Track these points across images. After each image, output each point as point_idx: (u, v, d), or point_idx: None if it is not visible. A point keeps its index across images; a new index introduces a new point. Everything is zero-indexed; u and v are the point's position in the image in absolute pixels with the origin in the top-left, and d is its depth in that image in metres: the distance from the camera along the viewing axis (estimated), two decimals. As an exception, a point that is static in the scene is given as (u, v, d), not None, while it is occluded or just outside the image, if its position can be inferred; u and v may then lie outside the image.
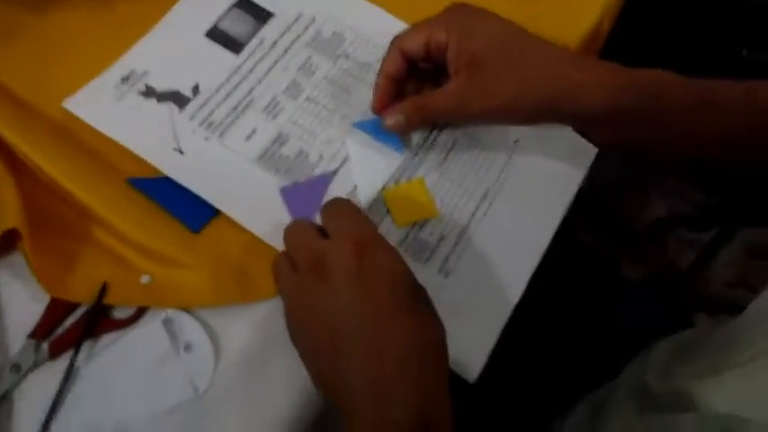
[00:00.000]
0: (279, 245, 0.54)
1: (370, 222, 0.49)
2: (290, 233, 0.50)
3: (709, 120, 0.55)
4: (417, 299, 0.46)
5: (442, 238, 0.59)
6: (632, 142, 0.58)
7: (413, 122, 0.58)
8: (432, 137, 0.62)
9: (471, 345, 0.55)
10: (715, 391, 0.53)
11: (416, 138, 0.62)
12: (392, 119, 0.58)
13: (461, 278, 0.58)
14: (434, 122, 0.61)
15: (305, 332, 0.46)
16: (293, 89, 0.63)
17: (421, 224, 0.59)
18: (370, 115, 0.62)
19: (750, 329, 0.52)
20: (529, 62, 0.54)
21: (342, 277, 0.45)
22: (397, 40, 0.57)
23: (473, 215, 0.61)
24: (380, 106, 0.59)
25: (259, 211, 0.57)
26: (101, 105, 0.59)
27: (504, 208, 0.61)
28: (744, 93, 0.55)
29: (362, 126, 0.61)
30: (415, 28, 0.56)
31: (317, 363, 0.46)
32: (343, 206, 0.50)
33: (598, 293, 0.87)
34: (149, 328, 0.53)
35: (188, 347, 0.53)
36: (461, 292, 0.57)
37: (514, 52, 0.54)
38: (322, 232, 0.49)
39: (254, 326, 0.54)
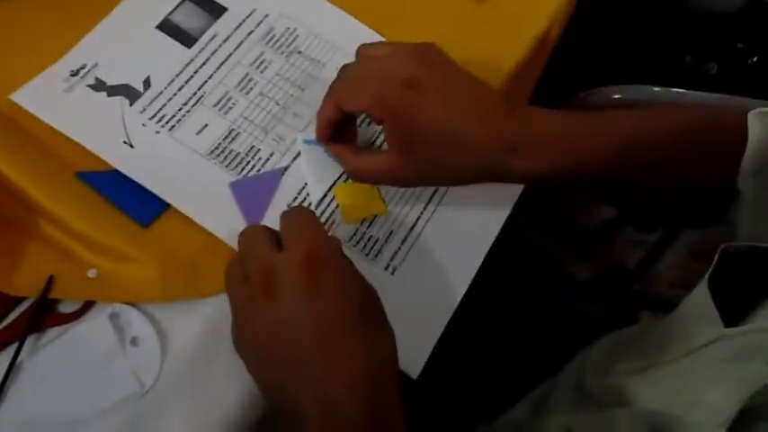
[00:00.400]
0: (228, 239, 0.55)
1: (328, 237, 0.47)
2: (242, 240, 0.49)
3: (639, 175, 0.55)
4: (366, 319, 0.45)
5: (390, 234, 0.60)
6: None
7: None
8: (382, 138, 0.63)
9: (414, 342, 0.56)
10: (647, 387, 0.54)
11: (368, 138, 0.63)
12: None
13: (407, 275, 0.59)
14: None
15: (252, 340, 0.46)
16: (246, 84, 0.63)
17: (370, 220, 0.60)
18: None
19: (681, 327, 0.54)
20: (465, 152, 0.52)
21: (289, 294, 0.44)
22: (334, 92, 0.56)
23: (421, 213, 0.61)
24: (324, 139, 0.58)
25: (209, 205, 0.56)
26: (50, 98, 0.58)
27: (452, 207, 0.62)
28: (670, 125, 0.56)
29: (310, 143, 0.61)
30: (354, 91, 0.54)
31: (263, 368, 0.46)
32: (301, 216, 0.49)
33: (544, 292, 0.89)
34: (96, 322, 0.52)
35: (134, 342, 0.52)
36: (407, 289, 0.58)
37: (450, 143, 0.52)
38: (278, 241, 0.47)
39: (202, 321, 0.54)
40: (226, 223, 0.55)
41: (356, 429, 0.42)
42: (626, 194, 0.63)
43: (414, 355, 0.56)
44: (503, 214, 0.64)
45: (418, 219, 0.61)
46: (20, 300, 0.52)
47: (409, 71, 0.52)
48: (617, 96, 0.84)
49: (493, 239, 0.63)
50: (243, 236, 0.49)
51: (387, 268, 0.58)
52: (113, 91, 0.60)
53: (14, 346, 0.50)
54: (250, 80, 0.63)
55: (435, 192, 0.62)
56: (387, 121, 0.52)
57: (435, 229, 0.61)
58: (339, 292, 0.44)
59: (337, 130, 0.57)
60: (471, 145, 0.52)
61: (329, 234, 0.49)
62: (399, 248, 0.60)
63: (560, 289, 0.92)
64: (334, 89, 0.56)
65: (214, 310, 0.54)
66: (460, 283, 0.60)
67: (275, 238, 0.47)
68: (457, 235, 0.61)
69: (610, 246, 1.22)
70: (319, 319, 0.43)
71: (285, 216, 0.49)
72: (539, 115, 0.54)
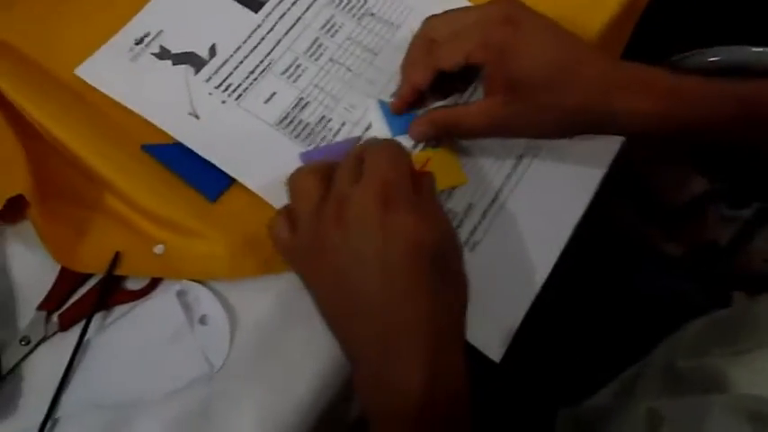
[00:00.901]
0: None
1: (411, 172, 0.45)
2: (341, 165, 0.46)
3: (753, 131, 0.51)
4: (438, 271, 0.42)
5: (469, 207, 0.56)
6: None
7: (439, 135, 0.55)
8: (463, 100, 0.59)
9: (496, 323, 0.52)
10: (746, 372, 0.50)
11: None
12: (417, 130, 0.55)
13: (488, 252, 0.55)
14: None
15: (320, 269, 0.44)
16: (315, 50, 0.60)
17: (449, 192, 0.56)
18: (394, 85, 0.59)
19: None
20: (571, 91, 0.49)
21: (357, 225, 0.42)
22: (432, 58, 0.52)
23: (503, 184, 0.57)
24: (399, 111, 0.56)
25: (277, 179, 0.53)
26: (114, 69, 0.57)
27: (537, 178, 0.58)
28: None
29: (384, 108, 0.58)
30: (452, 42, 0.51)
31: (331, 300, 0.45)
32: (387, 146, 0.46)
33: (633, 272, 0.84)
34: (163, 299, 0.50)
35: (203, 320, 0.50)
36: (488, 266, 0.54)
37: (557, 80, 0.49)
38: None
39: (273, 300, 0.51)
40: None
41: (410, 382, 0.40)
42: (737, 157, 0.57)
43: (495, 337, 0.52)
44: (591, 187, 0.59)
45: (500, 190, 0.57)
46: (86, 276, 0.51)
47: (508, 12, 0.50)
48: (713, 59, 0.78)
49: (581, 214, 0.58)
50: (298, 173, 0.47)
51: (466, 244, 0.54)
52: (178, 59, 0.58)
53: (82, 324, 0.49)
54: (320, 45, 0.60)
55: (519, 160, 0.58)
56: (490, 62, 0.50)
57: (518, 202, 0.57)
58: (409, 234, 0.42)
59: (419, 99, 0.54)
60: (578, 83, 0.49)
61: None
62: (480, 222, 0.55)
63: (648, 268, 0.87)
64: (427, 49, 0.53)
65: (285, 288, 0.51)
66: (545, 260, 0.55)
67: (357, 169, 0.45)
68: (542, 208, 0.57)
69: (700, 223, 1.15)
70: (385, 258, 0.41)
71: (371, 145, 0.46)
72: (642, 66, 0.51)
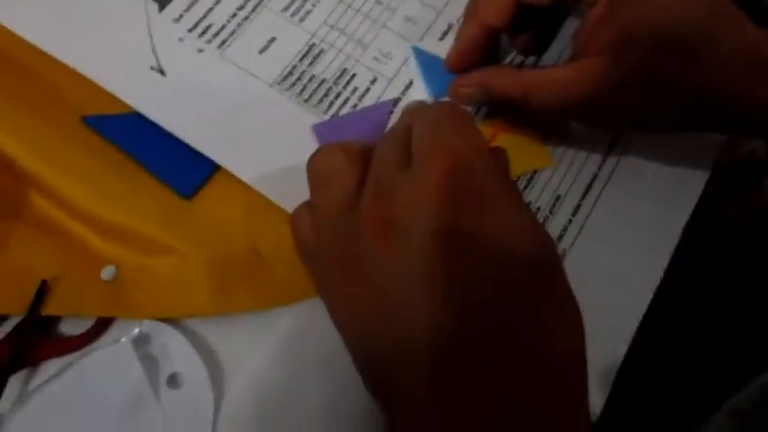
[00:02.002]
0: None
1: (489, 151, 0.30)
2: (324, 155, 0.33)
3: None
4: (544, 294, 0.28)
5: (556, 202, 0.40)
6: None
7: (496, 100, 0.39)
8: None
9: (594, 361, 0.37)
10: None
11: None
12: (461, 91, 0.39)
13: (582, 262, 0.40)
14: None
15: (345, 297, 0.31)
16: (330, -24, 0.43)
17: (528, 179, 0.41)
18: (442, 25, 0.43)
19: None
20: (702, 65, 0.35)
21: (412, 230, 0.27)
22: None
23: (599, 168, 0.42)
24: (459, 67, 0.39)
25: (279, 163, 0.38)
26: (39, 7, 0.41)
27: (640, 160, 0.42)
28: None
29: (422, 58, 0.42)
30: None
31: (363, 342, 0.30)
32: (451, 111, 0.31)
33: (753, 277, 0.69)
34: (114, 351, 0.35)
35: (174, 381, 0.35)
36: (582, 281, 0.38)
37: (684, 46, 0.35)
38: (408, 152, 0.31)
39: (276, 346, 0.36)
40: (304, 193, 0.35)
41: None
42: None
43: (592, 380, 0.36)
44: (705, 171, 0.43)
45: (594, 178, 0.41)
46: None
47: None
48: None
49: (693, 206, 0.43)
50: (321, 153, 0.33)
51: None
52: None
53: None
54: (337, -32, 0.44)
55: (617, 139, 0.42)
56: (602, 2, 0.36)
57: (620, 193, 0.41)
58: (495, 246, 0.28)
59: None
60: (717, 52, 0.35)
61: None
62: (570, 222, 0.40)
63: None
64: None
65: (293, 328, 0.37)
66: (653, 268, 0.40)
67: (405, 147, 0.31)
68: (647, 202, 0.42)
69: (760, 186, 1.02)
70: (451, 283, 0.27)
71: (424, 111, 0.32)
72: None
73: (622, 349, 0.38)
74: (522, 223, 0.29)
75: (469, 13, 0.39)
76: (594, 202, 0.40)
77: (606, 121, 0.39)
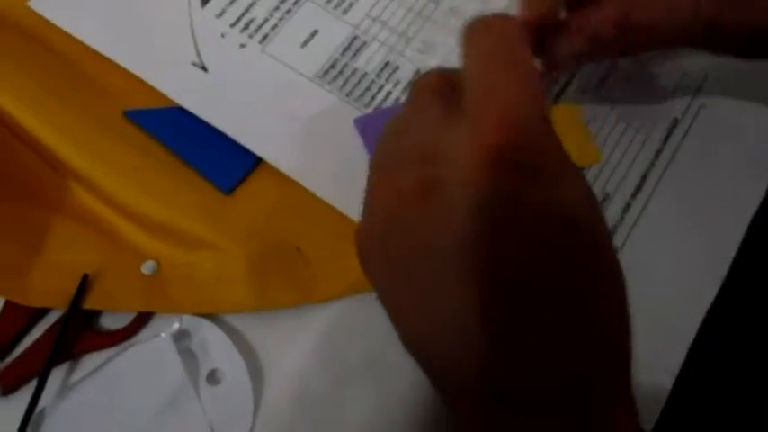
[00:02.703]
0: (352, 209, 0.36)
1: (544, 104, 0.26)
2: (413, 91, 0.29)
3: None
4: (596, 258, 0.26)
5: (605, 199, 0.38)
6: None
7: (594, 35, 0.36)
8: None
9: (646, 375, 0.35)
10: None
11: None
12: (568, 46, 0.36)
13: (633, 266, 0.36)
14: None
15: (392, 266, 0.27)
16: (373, -33, 0.43)
17: None
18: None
19: None
20: None
21: (461, 203, 0.24)
22: None
23: (651, 164, 0.40)
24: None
25: (321, 157, 0.38)
26: (85, 2, 0.41)
27: (699, 151, 0.41)
28: None
29: None
30: None
31: (407, 313, 0.27)
32: (509, 50, 0.26)
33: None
34: (154, 346, 0.35)
35: (213, 377, 0.35)
36: (633, 285, 0.36)
37: None
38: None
39: (317, 344, 0.36)
40: (348, 186, 0.34)
41: None
42: None
43: (644, 396, 0.35)
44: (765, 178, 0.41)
45: (647, 174, 0.40)
46: (41, 313, 0.35)
47: None
48: None
49: (756, 208, 0.40)
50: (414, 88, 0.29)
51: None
52: None
53: (33, 385, 0.33)
54: (380, -41, 0.43)
55: (672, 129, 0.40)
56: None
57: (674, 192, 0.39)
58: (562, 221, 0.24)
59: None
60: None
61: None
62: (621, 220, 0.39)
63: None
64: None
65: (335, 326, 0.36)
66: (712, 272, 0.38)
67: (449, 84, 0.28)
68: (705, 203, 0.40)
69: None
70: (507, 263, 0.24)
71: (475, 45, 0.27)
72: None
73: (679, 352, 0.37)
74: (576, 186, 0.25)
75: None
76: (646, 202, 0.39)
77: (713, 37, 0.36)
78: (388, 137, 0.28)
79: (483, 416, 0.25)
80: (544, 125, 0.25)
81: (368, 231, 0.28)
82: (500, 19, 0.27)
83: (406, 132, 0.27)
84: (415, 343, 0.27)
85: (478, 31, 0.27)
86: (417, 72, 0.40)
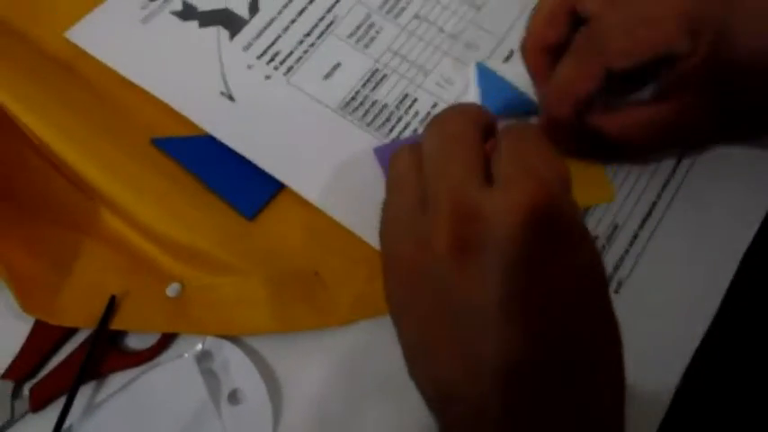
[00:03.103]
0: (370, 235, 0.37)
1: (570, 184, 0.28)
2: (429, 146, 0.30)
3: None
4: (604, 322, 0.28)
5: (614, 231, 0.39)
6: None
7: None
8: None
9: (645, 404, 0.36)
10: None
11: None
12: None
13: (638, 296, 0.38)
14: None
15: (417, 321, 0.29)
16: (394, 3, 0.44)
17: (585, 208, 0.40)
18: (504, 50, 0.42)
19: None
20: None
21: (497, 262, 0.26)
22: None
23: (659, 196, 0.41)
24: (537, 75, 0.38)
25: (343, 185, 0.38)
26: (119, 33, 0.42)
27: (700, 187, 0.41)
28: None
29: (484, 75, 0.41)
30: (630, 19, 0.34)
31: (428, 364, 0.29)
32: (536, 137, 0.29)
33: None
34: (178, 366, 0.36)
35: (235, 397, 0.35)
36: (638, 312, 0.37)
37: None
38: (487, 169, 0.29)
39: (336, 366, 0.36)
40: (367, 213, 0.35)
41: None
42: None
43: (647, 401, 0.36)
44: (764, 205, 0.41)
45: (654, 205, 0.40)
46: (69, 333, 0.36)
47: None
48: None
49: (752, 236, 0.41)
50: (430, 139, 0.30)
51: (609, 281, 0.38)
52: (208, 19, 0.43)
53: (61, 402, 0.34)
54: (400, -4, 0.43)
55: (677, 166, 0.41)
56: (699, 45, 0.33)
57: (681, 220, 0.40)
58: (580, 282, 0.27)
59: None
60: None
61: None
62: (627, 252, 0.39)
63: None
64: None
65: (354, 348, 0.37)
66: (710, 298, 0.39)
67: (478, 163, 0.28)
68: (707, 229, 0.40)
69: None
70: (538, 315, 0.26)
71: (507, 132, 0.29)
72: None
73: (675, 379, 0.37)
74: (594, 259, 0.28)
75: (529, 30, 0.37)
76: (653, 231, 0.39)
77: (700, 143, 0.39)
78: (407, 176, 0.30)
79: None
80: (570, 199, 0.27)
81: (393, 280, 0.30)
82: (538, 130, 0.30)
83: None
84: (429, 379, 0.29)
85: (510, 125, 0.30)
86: (435, 105, 0.41)
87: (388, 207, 0.30)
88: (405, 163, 0.30)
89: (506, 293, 0.25)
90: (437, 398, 0.29)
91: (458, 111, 0.30)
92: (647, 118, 0.35)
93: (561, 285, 0.26)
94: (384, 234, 0.30)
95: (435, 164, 0.29)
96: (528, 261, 0.25)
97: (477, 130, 0.29)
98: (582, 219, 0.28)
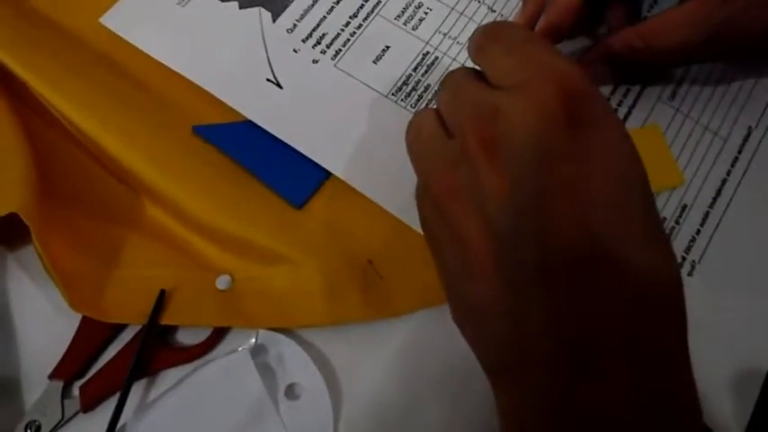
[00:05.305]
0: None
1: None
2: (446, 84, 0.30)
3: None
4: (647, 221, 0.25)
5: (683, 211, 0.37)
6: None
7: (618, 59, 0.37)
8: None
9: (731, 392, 0.35)
10: None
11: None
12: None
13: (713, 279, 0.37)
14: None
15: (446, 238, 0.27)
16: (441, -18, 0.42)
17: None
18: None
19: None
20: None
21: (530, 157, 0.24)
22: None
23: (729, 173, 0.39)
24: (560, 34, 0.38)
25: (393, 174, 0.36)
26: (156, 18, 0.40)
27: None
28: None
29: None
30: None
31: (459, 287, 0.27)
32: (536, 38, 0.28)
33: None
34: (232, 361, 0.34)
35: (292, 392, 0.34)
36: (714, 295, 0.36)
37: None
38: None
39: (392, 360, 0.35)
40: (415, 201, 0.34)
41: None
42: None
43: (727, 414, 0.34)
44: None
45: (724, 182, 0.39)
46: (119, 329, 0.35)
47: None
48: None
49: None
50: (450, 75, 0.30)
51: (681, 265, 0.36)
52: (249, 1, 0.41)
53: (113, 401, 0.33)
54: (449, -25, 0.42)
55: (747, 137, 0.39)
56: None
57: (750, 202, 0.39)
58: (615, 170, 0.24)
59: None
60: None
61: None
62: (698, 233, 0.38)
63: None
64: None
65: (409, 339, 0.35)
66: None
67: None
68: None
69: None
70: (584, 209, 0.24)
71: (501, 36, 0.29)
72: None
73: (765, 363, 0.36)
74: (631, 149, 0.26)
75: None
76: (725, 210, 0.38)
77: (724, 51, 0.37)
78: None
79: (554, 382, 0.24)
80: (591, 85, 0.25)
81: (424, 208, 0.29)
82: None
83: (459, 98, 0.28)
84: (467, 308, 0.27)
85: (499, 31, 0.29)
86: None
87: (416, 162, 0.30)
88: (424, 121, 0.29)
89: (540, 192, 0.24)
90: (481, 320, 0.26)
91: (452, 70, 0.30)
92: (692, 11, 0.34)
93: (598, 178, 0.24)
94: (418, 167, 0.29)
95: (452, 98, 0.28)
96: (560, 155, 0.24)
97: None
98: (605, 102, 0.26)
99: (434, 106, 0.30)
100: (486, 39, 0.29)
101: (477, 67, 0.29)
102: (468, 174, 0.25)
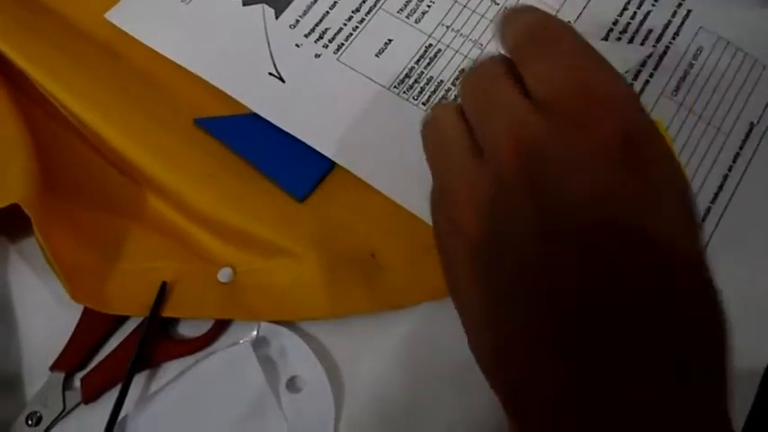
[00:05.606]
0: (426, 213, 0.34)
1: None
2: (469, 82, 0.27)
3: None
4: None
5: None
6: None
7: None
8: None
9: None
10: None
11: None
12: None
13: (714, 272, 0.36)
14: None
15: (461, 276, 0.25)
16: (443, -25, 0.41)
17: None
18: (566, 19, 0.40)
19: None
20: None
21: (582, 189, 0.22)
22: None
23: (730, 170, 0.39)
24: None
25: (397, 165, 0.36)
26: (161, 13, 0.40)
27: None
28: None
29: None
30: None
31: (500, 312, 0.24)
32: (577, 47, 0.25)
33: None
34: (233, 352, 0.34)
35: (293, 385, 0.34)
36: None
37: None
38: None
39: (397, 350, 0.35)
40: (423, 192, 0.33)
41: None
42: None
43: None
44: None
45: (727, 175, 0.39)
46: (120, 321, 0.35)
47: None
48: None
49: None
50: (468, 77, 0.27)
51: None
52: None
53: (114, 393, 0.33)
54: (450, -31, 0.42)
55: (747, 134, 0.39)
56: None
57: (752, 197, 0.39)
58: (678, 192, 0.24)
59: None
60: None
61: None
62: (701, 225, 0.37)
63: None
64: None
65: (416, 331, 0.35)
66: None
67: (517, 87, 0.25)
68: None
69: None
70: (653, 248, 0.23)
71: (543, 46, 0.25)
72: None
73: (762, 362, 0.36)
74: (685, 186, 0.24)
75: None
76: (726, 206, 0.38)
77: None
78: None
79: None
80: (650, 121, 0.24)
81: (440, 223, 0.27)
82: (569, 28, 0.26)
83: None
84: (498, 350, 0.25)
85: (540, 35, 0.26)
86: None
87: (434, 163, 0.28)
88: (445, 119, 0.27)
89: (580, 233, 0.22)
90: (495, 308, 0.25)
91: (482, 61, 0.27)
92: None
93: (646, 220, 0.23)
94: (436, 170, 0.27)
95: (482, 107, 0.25)
96: (614, 197, 0.22)
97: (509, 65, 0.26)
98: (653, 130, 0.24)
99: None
100: (533, 39, 0.26)
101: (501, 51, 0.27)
102: (500, 193, 0.24)
